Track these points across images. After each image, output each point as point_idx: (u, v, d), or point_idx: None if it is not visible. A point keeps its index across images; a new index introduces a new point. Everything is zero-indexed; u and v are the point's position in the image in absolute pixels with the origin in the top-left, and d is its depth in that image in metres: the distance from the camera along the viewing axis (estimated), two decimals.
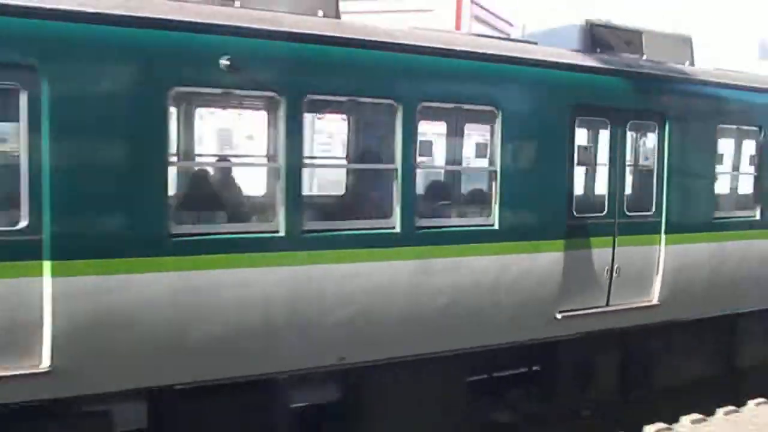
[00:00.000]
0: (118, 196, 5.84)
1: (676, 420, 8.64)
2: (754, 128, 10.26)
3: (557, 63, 8.20)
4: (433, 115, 8.61)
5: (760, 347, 10.63)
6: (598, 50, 9.00)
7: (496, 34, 14.04)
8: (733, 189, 10.98)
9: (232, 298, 6.27)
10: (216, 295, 6.18)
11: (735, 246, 9.75)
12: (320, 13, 7.06)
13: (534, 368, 9.13)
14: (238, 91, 6.74)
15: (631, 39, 9.44)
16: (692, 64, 9.95)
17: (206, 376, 6.34)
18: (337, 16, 7.22)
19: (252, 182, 7.33)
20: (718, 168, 9.90)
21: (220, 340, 6.23)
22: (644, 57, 9.37)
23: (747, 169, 10.57)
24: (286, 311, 6.50)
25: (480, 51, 7.64)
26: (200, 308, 6.12)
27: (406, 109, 7.04)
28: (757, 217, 10.13)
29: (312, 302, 6.62)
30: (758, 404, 9.31)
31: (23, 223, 5.54)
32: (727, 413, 8.99)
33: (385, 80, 7.10)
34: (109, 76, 5.79)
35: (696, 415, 8.71)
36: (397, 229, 7.06)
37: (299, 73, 6.59)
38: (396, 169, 7.07)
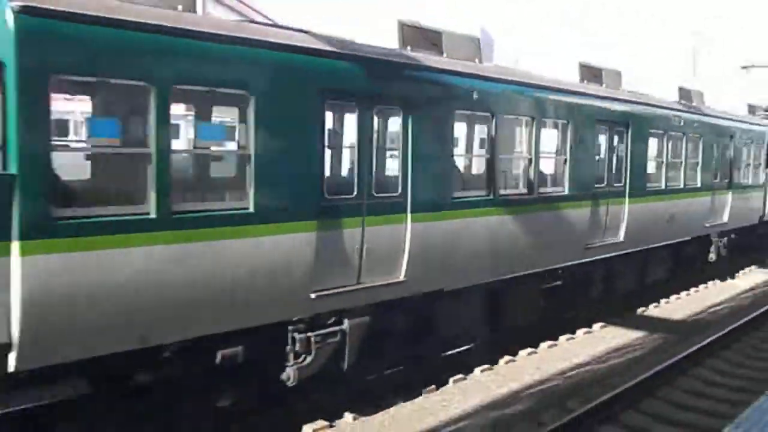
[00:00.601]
0: (438, 176, 10.11)
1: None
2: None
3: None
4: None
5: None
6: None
7: (236, 17, 14.04)
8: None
9: (498, 232, 11.09)
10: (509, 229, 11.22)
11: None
12: (477, 60, 11.31)
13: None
14: (477, 113, 11.20)
15: None
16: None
17: (488, 278, 11.21)
18: (481, 61, 11.51)
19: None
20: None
21: (495, 258, 11.08)
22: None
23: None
24: (502, 242, 11.19)
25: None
26: (503, 236, 11.09)
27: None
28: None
29: (503, 238, 11.24)
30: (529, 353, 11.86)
31: (399, 191, 9.57)
32: (483, 370, 10.84)
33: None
34: (434, 105, 9.98)
35: (485, 366, 10.83)
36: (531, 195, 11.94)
37: (498, 101, 11.15)
38: (531, 158, 11.83)
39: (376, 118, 9.41)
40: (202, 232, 7.38)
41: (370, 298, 9.25)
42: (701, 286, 18.47)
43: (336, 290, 8.75)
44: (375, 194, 9.21)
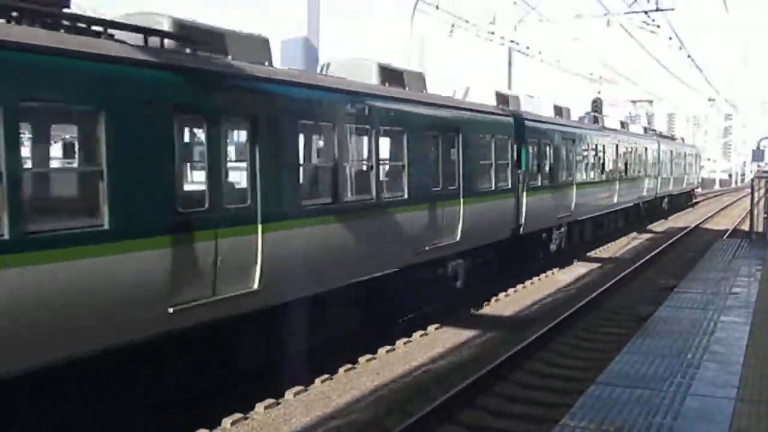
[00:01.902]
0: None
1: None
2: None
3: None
4: None
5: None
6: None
7: None
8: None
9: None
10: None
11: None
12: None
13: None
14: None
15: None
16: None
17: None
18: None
19: None
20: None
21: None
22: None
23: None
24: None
25: None
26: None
27: None
28: None
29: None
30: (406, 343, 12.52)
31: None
32: (323, 380, 10.64)
33: None
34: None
35: (324, 376, 10.68)
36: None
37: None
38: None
39: None
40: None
41: (565, 219, 21.83)
42: (527, 282, 19.23)
43: (563, 216, 21.57)
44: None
